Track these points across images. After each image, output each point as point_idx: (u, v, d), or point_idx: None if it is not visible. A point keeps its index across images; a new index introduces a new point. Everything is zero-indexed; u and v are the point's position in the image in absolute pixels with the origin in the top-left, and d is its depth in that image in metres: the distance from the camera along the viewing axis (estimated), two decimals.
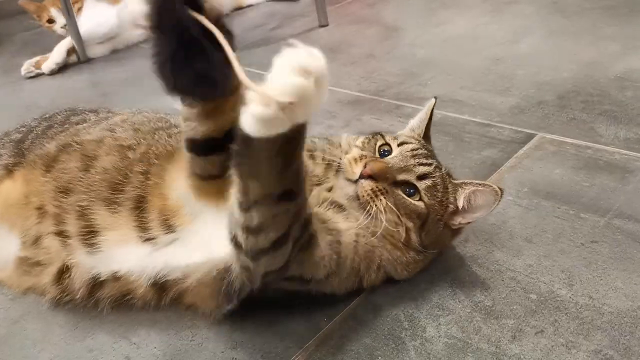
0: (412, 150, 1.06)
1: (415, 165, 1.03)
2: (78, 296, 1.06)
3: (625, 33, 2.19)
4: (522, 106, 1.76)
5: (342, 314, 1.05)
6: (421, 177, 1.02)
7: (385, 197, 0.98)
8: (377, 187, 0.99)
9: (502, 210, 1.28)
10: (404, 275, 1.07)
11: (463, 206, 1.06)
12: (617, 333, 0.96)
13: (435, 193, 1.03)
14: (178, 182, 0.99)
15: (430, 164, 1.04)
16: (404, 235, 1.02)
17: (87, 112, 1.31)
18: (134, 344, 1.04)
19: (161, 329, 1.06)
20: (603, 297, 1.03)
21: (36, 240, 1.09)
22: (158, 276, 1.00)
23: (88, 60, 2.58)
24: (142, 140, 1.10)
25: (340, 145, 1.14)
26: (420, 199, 1.01)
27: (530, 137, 1.58)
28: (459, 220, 1.08)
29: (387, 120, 1.77)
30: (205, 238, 0.98)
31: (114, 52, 2.70)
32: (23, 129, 1.30)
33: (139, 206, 1.01)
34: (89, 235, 1.03)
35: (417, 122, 1.20)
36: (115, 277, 1.04)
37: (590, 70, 1.94)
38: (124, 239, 1.01)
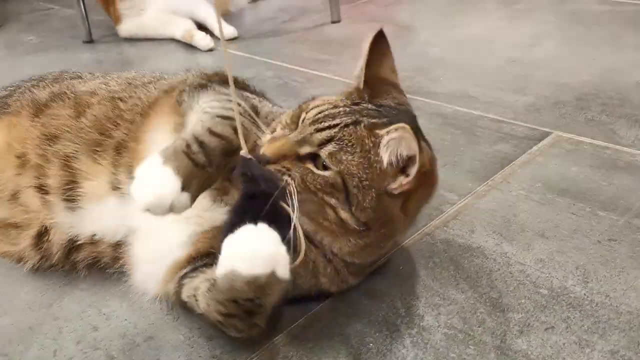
0: (315, 114, 0.87)
1: (312, 133, 0.84)
2: (55, 260, 1.02)
3: None
4: (538, 105, 1.67)
5: (333, 297, 0.96)
6: (323, 144, 0.83)
7: (290, 176, 0.83)
8: (278, 169, 0.83)
9: (513, 204, 1.19)
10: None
11: (391, 162, 0.82)
12: (635, 334, 0.86)
13: (344, 156, 0.82)
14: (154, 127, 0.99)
15: (334, 125, 0.84)
16: (332, 214, 0.85)
17: (81, 72, 1.27)
18: (104, 314, 0.95)
19: (134, 300, 0.97)
20: (621, 297, 0.93)
21: (14, 196, 1.04)
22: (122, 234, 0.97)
23: (92, 41, 2.52)
24: (133, 94, 1.08)
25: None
26: (328, 168, 0.83)
27: (546, 134, 1.49)
28: (397, 183, 0.84)
29: None
30: None
31: None
32: (11, 87, 1.26)
33: (119, 150, 0.99)
34: (69, 187, 0.99)
35: (358, 69, 0.94)
36: (93, 241, 1.00)
37: (610, 75, 1.85)
38: (100, 190, 0.98)
